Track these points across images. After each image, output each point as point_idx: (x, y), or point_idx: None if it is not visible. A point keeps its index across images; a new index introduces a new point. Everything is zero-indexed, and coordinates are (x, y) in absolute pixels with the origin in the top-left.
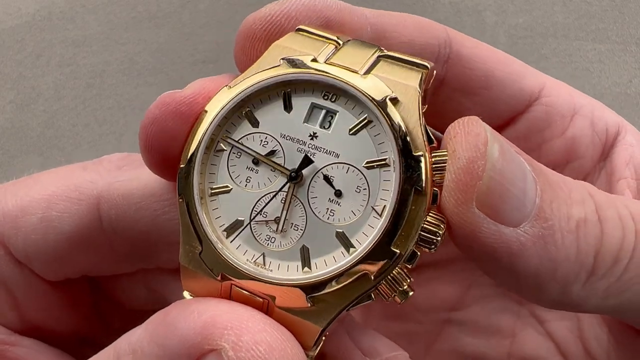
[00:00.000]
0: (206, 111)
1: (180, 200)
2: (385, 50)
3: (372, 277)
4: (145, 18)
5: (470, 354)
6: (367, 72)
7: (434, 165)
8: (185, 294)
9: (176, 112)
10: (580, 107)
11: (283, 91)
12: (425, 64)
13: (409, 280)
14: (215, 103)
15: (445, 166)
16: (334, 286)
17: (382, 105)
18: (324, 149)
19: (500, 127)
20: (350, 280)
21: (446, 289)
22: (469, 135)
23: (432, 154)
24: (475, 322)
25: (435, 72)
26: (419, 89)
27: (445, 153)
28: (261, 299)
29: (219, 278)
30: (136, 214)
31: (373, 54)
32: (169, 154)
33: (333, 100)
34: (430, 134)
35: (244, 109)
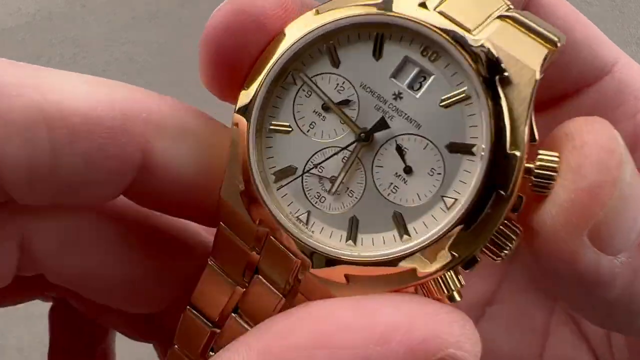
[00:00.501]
0: (284, 34)
1: (235, 127)
2: (512, 8)
3: (419, 276)
4: (145, 18)
5: (504, 352)
6: (482, 32)
7: (537, 171)
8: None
9: (257, 23)
10: (619, 57)
11: (377, 33)
12: (555, 39)
13: (459, 286)
14: (296, 27)
15: (552, 174)
16: (374, 271)
17: (489, 83)
18: (406, 114)
19: (565, 96)
20: (395, 271)
21: (479, 281)
22: (601, 150)
23: (538, 154)
24: (508, 317)
25: (560, 53)
26: (537, 74)
27: (556, 159)
28: (295, 258)
29: (256, 223)
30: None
31: (496, 10)
32: (234, 72)
33: (432, 59)
34: (535, 129)
35: (327, 43)
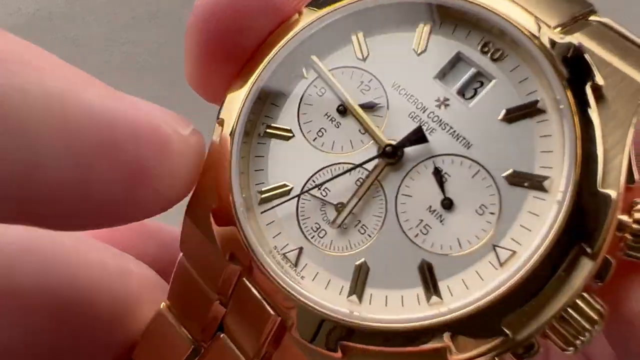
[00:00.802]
0: (301, 14)
1: (219, 125)
2: (599, 15)
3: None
4: (145, 18)
5: None
6: (567, 32)
7: (635, 226)
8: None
9: (267, 3)
10: None
11: (422, 20)
12: None
13: None
14: (317, 5)
15: None
16: (382, 345)
17: (576, 94)
18: (452, 128)
19: None
20: (413, 350)
21: None
22: None
23: (636, 204)
24: None
25: None
26: None
27: None
28: (273, 313)
29: (226, 257)
30: None
31: (581, 12)
32: (231, 62)
33: (495, 58)
34: (635, 169)
35: (355, 29)
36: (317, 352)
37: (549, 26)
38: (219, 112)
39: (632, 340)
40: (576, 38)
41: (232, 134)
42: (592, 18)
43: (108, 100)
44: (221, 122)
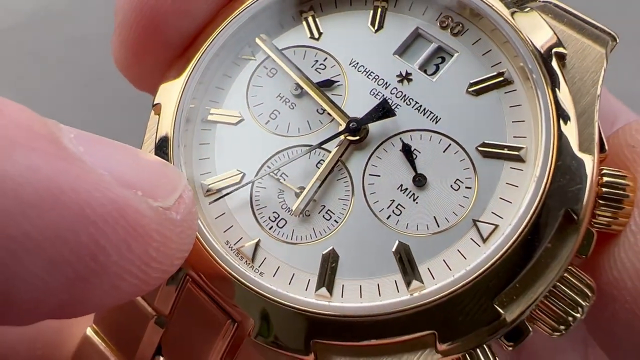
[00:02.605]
0: None
1: (155, 113)
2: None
3: (437, 349)
4: None
5: None
6: (523, 6)
7: (605, 196)
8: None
9: None
10: (619, 114)
11: None
12: (613, 33)
13: None
14: None
15: (621, 198)
16: (361, 339)
17: (544, 58)
18: (417, 103)
19: None
20: (395, 341)
21: None
22: None
23: (601, 173)
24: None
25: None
26: (605, 57)
27: (624, 175)
28: (226, 317)
29: None
30: None
31: None
32: (168, 45)
33: (455, 32)
34: (603, 136)
35: (305, 9)
36: (284, 355)
37: (507, 1)
38: (154, 98)
39: (615, 319)
40: (536, 12)
41: (172, 120)
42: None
43: (48, 165)
44: (157, 109)
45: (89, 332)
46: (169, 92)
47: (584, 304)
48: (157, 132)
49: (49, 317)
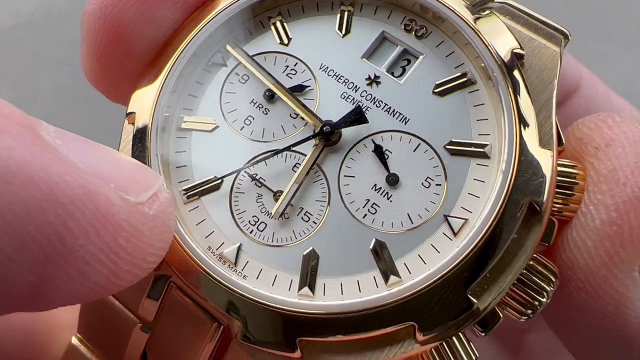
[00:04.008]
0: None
1: (129, 122)
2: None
3: (417, 340)
4: None
5: None
6: (482, 8)
7: (559, 184)
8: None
9: None
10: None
11: (341, 2)
12: (566, 31)
13: (474, 358)
14: None
15: (572, 186)
16: (345, 334)
17: (505, 61)
18: (386, 105)
19: None
20: (377, 334)
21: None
22: (637, 144)
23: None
24: None
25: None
26: (560, 55)
27: (574, 165)
28: (212, 320)
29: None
30: None
31: None
32: (136, 54)
33: (419, 35)
34: (561, 133)
35: (273, 15)
36: (272, 355)
37: (467, 3)
38: (128, 107)
39: (571, 297)
40: (493, 13)
41: (148, 130)
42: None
43: (22, 146)
44: (132, 119)
45: (74, 340)
46: (142, 101)
47: (548, 289)
48: (132, 141)
49: (18, 307)
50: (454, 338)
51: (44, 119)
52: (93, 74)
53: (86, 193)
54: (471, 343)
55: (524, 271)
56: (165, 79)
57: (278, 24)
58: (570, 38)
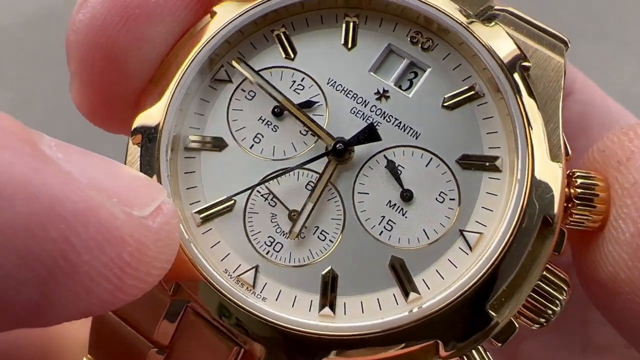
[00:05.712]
0: (215, 13)
1: (134, 142)
2: (501, 4)
3: (440, 355)
4: None
5: None
6: (487, 19)
7: (580, 196)
8: None
9: (161, 9)
10: (618, 118)
11: (345, 14)
12: (565, 38)
13: None
14: (231, 5)
15: (593, 197)
16: (370, 354)
17: (513, 74)
18: (397, 119)
19: None
20: (401, 352)
21: None
22: None
23: (573, 176)
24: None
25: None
26: (564, 66)
27: (597, 182)
28: (232, 344)
29: (170, 290)
30: None
31: (488, 3)
32: (129, 81)
33: (425, 47)
34: (567, 143)
35: (277, 27)
36: None
37: (471, 14)
38: (132, 127)
39: (614, 309)
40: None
41: (157, 151)
42: (496, 7)
43: (22, 161)
44: (137, 139)
45: None
46: (148, 121)
47: (561, 297)
48: (140, 162)
49: (22, 323)
50: (473, 351)
51: (44, 120)
52: (88, 104)
53: (88, 207)
54: (488, 353)
55: (538, 282)
56: (172, 97)
57: (283, 38)
58: (569, 45)
